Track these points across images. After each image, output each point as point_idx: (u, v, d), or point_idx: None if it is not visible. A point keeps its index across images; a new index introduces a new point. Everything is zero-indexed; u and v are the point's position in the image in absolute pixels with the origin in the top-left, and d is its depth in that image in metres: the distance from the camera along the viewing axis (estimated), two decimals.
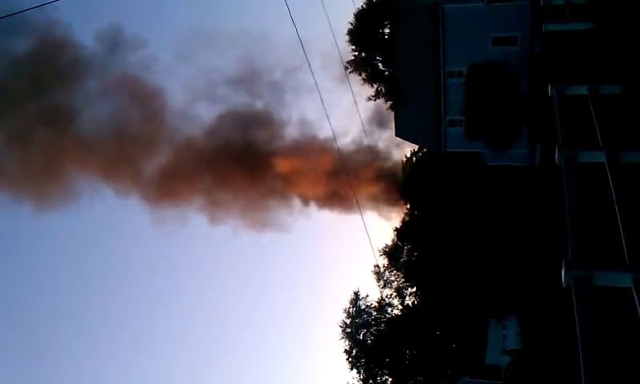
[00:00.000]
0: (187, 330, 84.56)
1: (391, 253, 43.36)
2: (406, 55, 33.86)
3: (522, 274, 27.80)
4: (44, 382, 74.18)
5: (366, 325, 43.38)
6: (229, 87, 45.91)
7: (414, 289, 42.48)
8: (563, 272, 8.46)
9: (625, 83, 12.56)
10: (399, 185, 42.06)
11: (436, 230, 36.58)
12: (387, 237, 46.61)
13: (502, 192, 32.24)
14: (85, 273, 75.99)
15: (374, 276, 44.18)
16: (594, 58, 14.75)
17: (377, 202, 45.54)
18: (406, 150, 43.27)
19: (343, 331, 43.36)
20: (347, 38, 39.22)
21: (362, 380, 42.13)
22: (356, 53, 39.27)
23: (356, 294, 44.23)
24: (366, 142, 42.44)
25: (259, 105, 45.04)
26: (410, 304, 42.64)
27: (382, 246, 43.66)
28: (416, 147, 41.19)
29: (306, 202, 46.27)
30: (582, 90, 12.58)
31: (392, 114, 37.49)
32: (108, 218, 71.01)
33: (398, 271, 43.44)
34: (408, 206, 42.70)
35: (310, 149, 43.65)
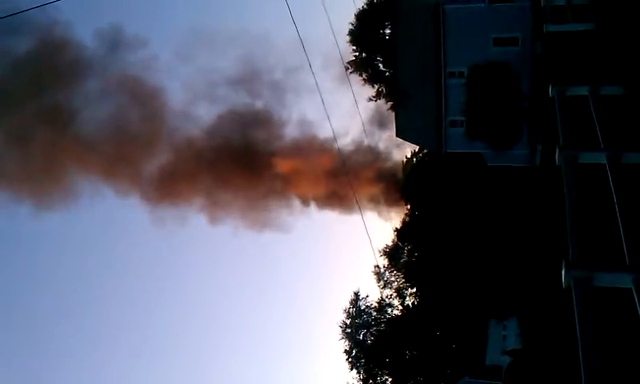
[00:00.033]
0: (187, 329, 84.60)
1: (391, 253, 43.37)
2: (407, 56, 33.86)
3: (523, 275, 27.80)
4: (44, 382, 74.20)
5: (366, 325, 43.38)
6: (229, 87, 45.95)
7: (414, 289, 42.47)
8: (564, 273, 8.47)
9: (625, 84, 12.57)
10: (399, 185, 42.06)
11: (436, 230, 36.57)
12: (387, 237, 46.70)
13: (502, 193, 32.24)
14: (84, 272, 76.06)
15: (374, 276, 44.23)
16: (595, 59, 14.76)
17: (377, 202, 45.59)
18: (406, 150, 43.32)
19: (343, 331, 43.36)
20: (348, 38, 39.23)
21: (362, 380, 42.12)
22: (357, 53, 39.27)
23: (356, 294, 44.25)
24: (366, 142, 42.47)
25: (259, 105, 45.09)
26: (410, 304, 42.64)
27: (382, 246, 43.74)
28: (416, 148, 41.21)
29: (306, 202, 46.32)
30: (583, 90, 12.59)
31: (392, 114, 37.49)
32: (108, 218, 71.07)
33: (398, 271, 43.44)
34: (408, 207, 42.70)
35: (311, 149, 43.69)
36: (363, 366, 42.16)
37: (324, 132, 48.90)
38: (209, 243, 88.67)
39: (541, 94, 23.94)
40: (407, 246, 42.47)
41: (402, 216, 43.80)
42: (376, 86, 39.59)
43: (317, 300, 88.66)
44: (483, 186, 33.52)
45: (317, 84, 34.32)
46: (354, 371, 42.58)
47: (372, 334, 42.68)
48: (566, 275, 8.41)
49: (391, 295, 43.92)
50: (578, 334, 7.75)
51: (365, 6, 39.24)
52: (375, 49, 38.88)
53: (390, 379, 41.97)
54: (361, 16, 39.04)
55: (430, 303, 38.82)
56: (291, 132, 44.38)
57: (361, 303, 44.08)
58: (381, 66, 39.33)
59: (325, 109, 30.71)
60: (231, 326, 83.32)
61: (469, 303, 34.99)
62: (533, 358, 25.69)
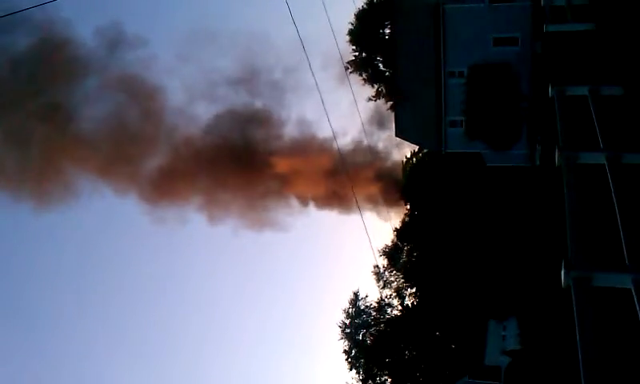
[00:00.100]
0: (187, 329, 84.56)
1: (391, 253, 43.38)
2: (407, 55, 33.85)
3: (522, 275, 27.81)
4: (43, 381, 74.19)
5: (366, 325, 43.40)
6: (229, 87, 45.89)
7: (414, 289, 42.50)
8: (563, 273, 8.45)
9: (626, 84, 12.55)
10: (399, 185, 42.06)
11: (436, 230, 36.59)
12: (387, 237, 46.67)
13: (502, 193, 32.26)
14: (84, 271, 76.02)
15: (374, 276, 44.24)
16: (595, 59, 14.74)
17: (376, 202, 45.56)
18: (405, 150, 43.30)
19: (343, 331, 43.38)
20: (348, 38, 39.22)
21: (362, 380, 42.14)
22: (356, 53, 39.26)
23: (355, 294, 44.27)
24: (365, 142, 42.43)
25: (259, 104, 45.05)
26: (410, 304, 42.66)
27: (381, 246, 43.76)
28: (416, 148, 41.20)
29: (305, 201, 46.29)
30: (583, 90, 12.57)
31: (392, 114, 37.48)
32: (107, 217, 71.05)
33: (397, 272, 43.46)
34: (408, 207, 42.72)
35: (310, 149, 43.66)
36: (362, 366, 42.19)
37: (323, 132, 48.89)
38: (208, 243, 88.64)
39: (540, 94, 23.92)
40: (407, 246, 42.50)
41: (402, 216, 43.86)
42: (376, 86, 39.58)
43: (316, 300, 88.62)
44: (483, 186, 33.53)
45: (316, 84, 34.27)
46: (354, 371, 42.63)
47: (371, 334, 42.69)
48: (566, 275, 8.40)
49: (391, 295, 43.97)
50: (577, 334, 7.74)
51: (365, 6, 39.23)
52: (375, 49, 38.87)
53: (389, 379, 41.99)
54: (361, 16, 39.03)
55: (429, 303, 38.85)
56: (291, 132, 44.35)
57: (360, 303, 44.12)
58: (381, 65, 39.32)
59: (324, 108, 30.65)
60: (231, 325, 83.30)
61: (468, 303, 35.01)
62: (532, 359, 25.69)
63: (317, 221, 75.67)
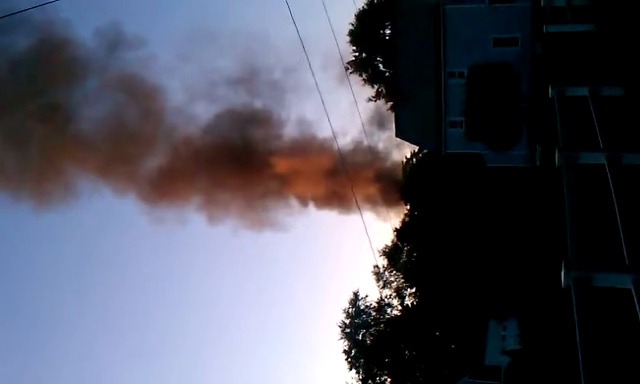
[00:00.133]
0: (186, 329, 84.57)
1: (391, 253, 43.41)
2: (407, 56, 33.86)
3: (522, 275, 27.82)
4: (43, 381, 74.18)
5: (366, 325, 43.43)
6: (228, 87, 45.90)
7: (414, 289, 42.53)
8: (563, 273, 8.45)
9: (626, 85, 12.56)
10: (399, 185, 42.08)
11: (436, 230, 36.61)
12: (387, 237, 46.69)
13: (501, 193, 32.27)
14: (83, 271, 76.00)
15: (374, 276, 44.28)
16: (595, 60, 14.75)
17: (376, 202, 45.57)
18: (405, 150, 43.32)
19: (342, 331, 43.40)
20: (348, 38, 39.25)
21: (361, 380, 42.17)
22: (357, 53, 39.29)
23: (355, 294, 44.30)
24: (365, 142, 42.44)
25: (259, 104, 45.05)
26: (410, 304, 42.69)
27: (381, 246, 43.77)
28: (416, 148, 41.22)
29: (305, 201, 46.29)
30: (583, 91, 12.57)
31: (392, 114, 37.49)
32: (106, 217, 71.05)
33: (397, 272, 43.49)
34: (408, 207, 42.74)
35: (310, 149, 43.66)
36: (362, 366, 42.21)
37: (323, 132, 48.90)
38: (207, 243, 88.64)
39: (540, 95, 23.92)
40: (407, 246, 42.53)
41: (402, 216, 43.88)
42: (376, 86, 39.62)
43: (316, 300, 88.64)
44: (483, 187, 33.55)
45: (316, 84, 34.27)
46: (353, 371, 42.67)
47: (371, 334, 42.72)
48: (566, 276, 8.40)
49: (390, 295, 44.01)
50: (577, 334, 7.74)
51: (365, 6, 39.27)
52: (375, 49, 38.90)
53: (389, 379, 42.02)
54: (361, 16, 39.07)
55: (429, 303, 38.87)
56: (290, 132, 44.36)
57: (360, 303, 44.16)
58: (381, 66, 39.36)
59: (324, 109, 30.65)
60: (230, 325, 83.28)
61: (468, 303, 35.03)
62: (532, 359, 25.69)
63: (317, 221, 75.69)
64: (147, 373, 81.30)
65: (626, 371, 9.83)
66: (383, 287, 43.98)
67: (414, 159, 42.38)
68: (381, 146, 44.67)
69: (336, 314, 44.29)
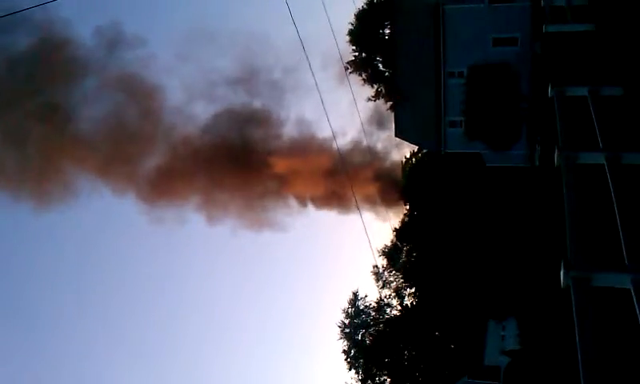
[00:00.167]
0: (186, 329, 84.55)
1: (390, 253, 43.39)
2: (407, 55, 33.86)
3: (521, 275, 27.81)
4: (43, 381, 74.17)
5: (365, 325, 43.40)
6: (228, 87, 45.93)
7: (413, 289, 42.51)
8: (562, 273, 8.44)
9: (626, 85, 12.55)
10: (399, 185, 42.08)
11: (435, 230, 36.60)
12: (386, 237, 46.69)
13: (501, 193, 32.26)
14: (83, 271, 76.00)
15: (373, 276, 44.25)
16: (595, 60, 14.73)
17: (376, 202, 45.58)
18: (405, 150, 43.33)
19: (342, 331, 43.37)
20: (348, 38, 39.24)
21: (361, 380, 42.14)
22: (356, 53, 39.28)
23: (355, 294, 44.27)
24: (365, 142, 42.44)
25: (258, 104, 45.08)
26: (409, 304, 42.67)
27: (381, 246, 43.75)
28: (415, 148, 41.22)
29: (304, 201, 46.30)
30: (583, 91, 12.56)
31: (392, 114, 37.49)
32: (106, 217, 71.03)
33: (397, 272, 43.47)
34: (407, 207, 42.74)
35: (309, 149, 43.67)
36: (362, 366, 42.18)
37: (323, 132, 48.93)
38: (207, 243, 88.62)
39: (540, 95, 23.91)
40: (406, 246, 42.51)
41: (401, 216, 43.88)
42: (375, 86, 39.61)
43: (315, 300, 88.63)
44: (482, 187, 33.54)
45: (316, 84, 34.24)
46: (353, 371, 42.63)
47: (371, 334, 42.70)
48: (565, 275, 8.39)
49: (390, 295, 43.98)
50: (576, 334, 7.73)
51: (364, 6, 39.26)
52: (375, 49, 38.89)
53: (388, 379, 41.99)
54: (360, 16, 39.05)
55: (428, 303, 38.85)
56: (290, 131, 44.37)
57: (359, 303, 44.12)
58: (380, 65, 39.35)
59: (324, 108, 30.64)
60: (230, 325, 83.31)
61: (468, 303, 35.03)
62: (531, 359, 25.69)
63: (316, 221, 75.66)
64: (147, 373, 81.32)
65: (626, 371, 9.82)
66: (383, 287, 44.01)
67: (414, 159, 42.38)
68: (380, 145, 44.72)
69: (335, 314, 44.31)
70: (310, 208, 47.33)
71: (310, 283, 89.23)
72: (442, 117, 33.27)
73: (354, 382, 42.47)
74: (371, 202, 45.64)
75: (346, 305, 43.94)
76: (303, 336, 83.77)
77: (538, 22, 26.83)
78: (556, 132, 11.94)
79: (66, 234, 75.66)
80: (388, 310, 43.78)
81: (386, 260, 43.60)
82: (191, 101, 53.61)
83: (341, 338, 43.27)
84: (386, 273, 43.91)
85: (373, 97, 39.98)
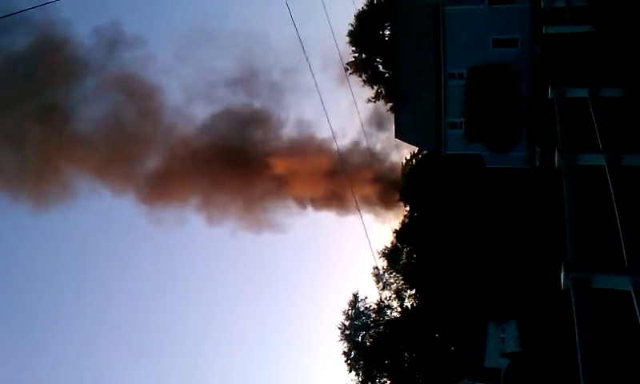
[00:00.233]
0: (186, 330, 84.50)
1: (390, 255, 43.35)
2: (407, 57, 33.84)
3: (522, 277, 27.78)
4: (43, 381, 74.10)
5: (365, 327, 43.34)
6: (228, 87, 45.93)
7: (414, 291, 42.46)
8: (562, 275, 8.42)
9: (625, 86, 12.53)
10: (399, 187, 42.05)
11: (436, 232, 36.56)
12: (387, 239, 46.65)
13: (501, 195, 32.23)
14: (82, 272, 75.98)
15: (374, 278, 44.21)
16: (595, 61, 14.72)
17: (376, 203, 45.56)
18: (405, 151, 43.31)
19: (342, 333, 43.30)
20: (348, 39, 39.24)
21: (361, 382, 42.05)
22: (356, 54, 39.29)
23: (355, 295, 44.19)
24: (365, 143, 42.43)
25: (258, 105, 45.06)
26: (409, 306, 42.61)
27: (381, 247, 43.71)
28: (416, 149, 41.21)
29: (304, 203, 46.28)
30: (583, 92, 12.54)
31: (392, 115, 37.48)
32: (105, 218, 71.01)
33: (397, 273, 43.42)
34: (408, 208, 42.70)
35: (309, 150, 43.66)
36: (362, 367, 42.11)
37: (323, 133, 48.91)
38: (207, 244, 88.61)
39: (540, 96, 23.89)
40: (406, 247, 42.46)
41: (402, 217, 43.84)
42: (375, 87, 39.63)
43: (316, 301, 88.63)
44: (482, 188, 33.50)
45: (316, 84, 34.21)
46: (353, 373, 42.55)
47: (371, 336, 42.63)
48: (565, 277, 8.37)
49: (390, 297, 43.91)
50: (576, 336, 7.71)
51: (364, 7, 39.29)
52: (375, 50, 38.92)
53: (388, 381, 41.91)
54: (360, 17, 39.08)
55: (429, 305, 38.80)
56: (290, 132, 44.37)
57: (360, 305, 44.04)
58: (380, 67, 39.39)
59: (324, 109, 30.60)
60: (230, 327, 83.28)
61: (468, 305, 34.97)
62: (532, 361, 25.65)
63: (316, 222, 75.65)
64: (146, 373, 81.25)
65: (626, 373, 9.79)
66: (383, 289, 43.95)
67: (414, 160, 42.35)
68: (380, 147, 44.72)
69: (336, 316, 44.24)
70: (311, 209, 47.35)
71: (310, 285, 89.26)
72: (442, 118, 33.24)
73: (354, 383, 42.44)
74: (371, 204, 45.64)
75: (347, 306, 43.91)
76: (303, 337, 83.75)
77: (538, 23, 26.82)
78: (556, 133, 11.91)
79: (65, 234, 75.70)
80: (388, 311, 43.74)
81: (386, 261, 43.58)
82: (191, 101, 53.64)
83: (341, 340, 43.23)
84: (386, 274, 43.89)
85: (373, 98, 40.04)
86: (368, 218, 53.18)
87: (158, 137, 42.26)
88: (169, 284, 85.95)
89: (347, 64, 38.80)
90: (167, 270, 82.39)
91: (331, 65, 43.28)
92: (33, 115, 37.95)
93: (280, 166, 43.38)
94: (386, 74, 38.79)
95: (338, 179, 41.74)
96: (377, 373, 41.78)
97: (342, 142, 43.25)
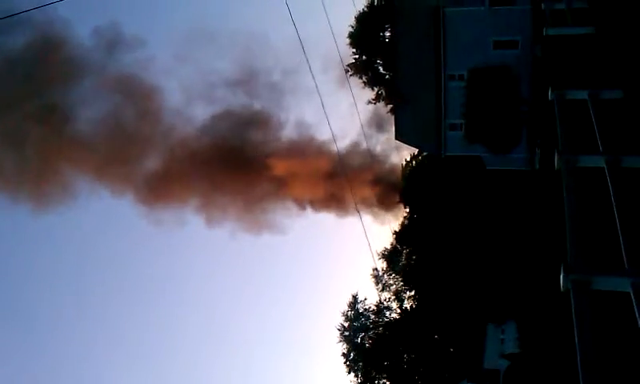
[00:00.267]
0: (186, 331, 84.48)
1: (390, 256, 43.31)
2: (407, 58, 33.85)
3: (521, 279, 27.78)
4: (42, 382, 74.09)
5: (364, 328, 43.28)
6: (227, 88, 45.89)
7: (413, 292, 42.42)
8: (562, 276, 8.42)
9: (626, 88, 12.53)
10: (398, 188, 42.04)
11: (435, 233, 36.55)
12: (386, 240, 46.60)
13: (501, 196, 32.23)
14: (82, 273, 75.94)
15: (373, 279, 44.15)
16: (595, 63, 14.73)
17: (376, 205, 45.52)
18: (405, 153, 43.30)
19: (341, 334, 43.25)
20: (348, 40, 39.22)
21: (360, 383, 42.02)
22: (357, 56, 39.27)
23: (354, 297, 44.14)
24: (365, 145, 42.41)
25: (257, 106, 45.01)
26: (409, 308, 42.57)
27: (380, 249, 43.68)
28: (416, 151, 41.20)
29: (304, 204, 46.24)
30: (583, 94, 12.54)
31: (392, 117, 37.48)
32: (105, 218, 71.00)
33: (396, 275, 43.38)
34: (407, 210, 42.68)
35: (309, 151, 43.63)
36: (361, 369, 42.06)
37: (322, 134, 48.87)
38: (206, 245, 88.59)
39: (540, 98, 23.90)
40: (406, 249, 42.43)
41: (401, 219, 43.81)
42: (375, 89, 39.61)
43: (315, 303, 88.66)
44: (482, 190, 33.50)
45: (316, 86, 34.28)
46: (352, 374, 42.51)
47: (370, 338, 42.58)
48: (565, 279, 8.37)
49: (389, 298, 43.85)
50: (576, 337, 7.70)
51: (365, 9, 39.26)
52: (375, 51, 38.89)
53: (387, 383, 41.88)
54: (361, 18, 39.05)
55: (428, 306, 38.78)
56: (289, 134, 44.34)
57: (359, 306, 43.97)
58: (381, 68, 39.35)
59: (324, 111, 30.61)
60: (229, 328, 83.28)
61: (467, 307, 34.96)
62: (531, 363, 25.64)
63: (315, 223, 75.71)
64: (146, 373, 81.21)
65: (625, 375, 9.79)
66: (382, 290, 43.88)
67: (414, 162, 42.33)
68: (380, 148, 44.68)
69: (335, 317, 44.19)
70: (310, 211, 47.30)
71: (310, 286, 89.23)
72: (443, 120, 33.25)
73: None
74: (371, 205, 45.60)
75: (346, 308, 43.86)
76: (303, 339, 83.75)
77: (538, 25, 26.84)
78: (556, 135, 11.92)
79: (64, 235, 75.69)
80: (387, 313, 43.68)
81: (385, 263, 43.54)
82: (190, 102, 53.61)
83: (340, 341, 43.18)
84: (385, 276, 43.84)
85: (373, 99, 40.00)
86: (367, 219, 53.17)
87: (157, 138, 42.25)
88: (168, 285, 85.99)
89: (347, 65, 38.79)
90: (167, 270, 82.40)
91: (331, 66, 43.29)
92: (33, 116, 37.93)
93: (280, 168, 43.37)
94: (387, 76, 38.77)
95: (338, 181, 41.73)
96: (376, 374, 41.74)
97: (342, 144, 43.27)
